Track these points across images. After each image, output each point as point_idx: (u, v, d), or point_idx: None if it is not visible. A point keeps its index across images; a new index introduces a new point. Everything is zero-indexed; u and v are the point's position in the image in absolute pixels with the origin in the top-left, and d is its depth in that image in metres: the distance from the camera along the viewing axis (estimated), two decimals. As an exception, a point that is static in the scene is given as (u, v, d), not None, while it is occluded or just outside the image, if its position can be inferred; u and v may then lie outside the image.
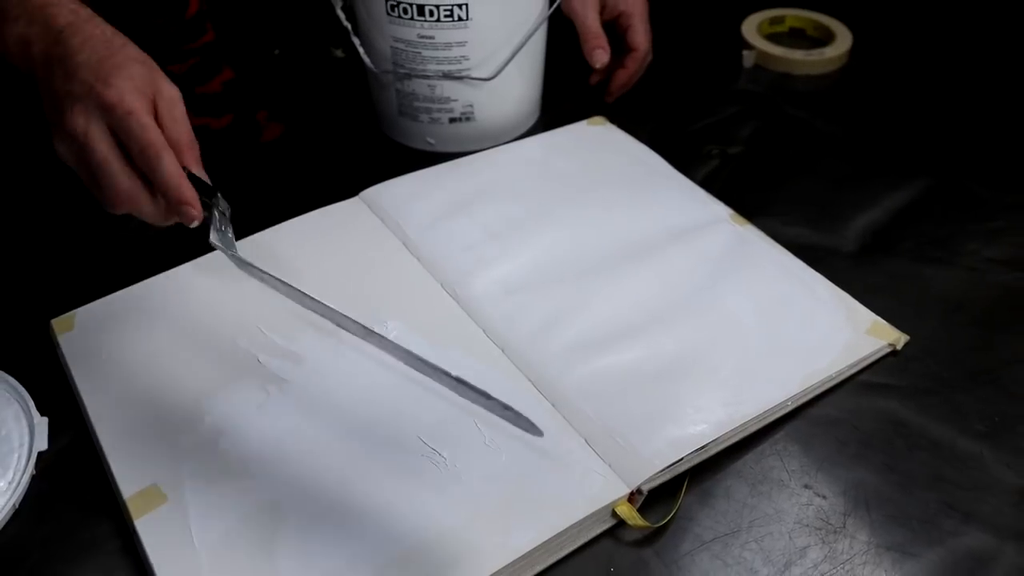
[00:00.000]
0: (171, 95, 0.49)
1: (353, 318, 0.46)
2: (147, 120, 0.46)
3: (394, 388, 0.52)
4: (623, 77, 0.77)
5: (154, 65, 0.50)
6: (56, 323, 0.56)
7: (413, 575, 0.42)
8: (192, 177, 0.48)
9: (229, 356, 0.53)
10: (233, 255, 0.52)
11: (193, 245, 0.61)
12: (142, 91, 0.47)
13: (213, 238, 0.51)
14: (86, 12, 0.51)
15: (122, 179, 0.47)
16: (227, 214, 0.52)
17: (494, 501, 0.45)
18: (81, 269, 0.62)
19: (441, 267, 0.60)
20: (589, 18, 0.74)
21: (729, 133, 0.76)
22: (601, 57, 0.74)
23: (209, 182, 0.50)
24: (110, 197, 0.48)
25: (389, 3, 0.65)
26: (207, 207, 0.50)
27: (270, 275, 0.49)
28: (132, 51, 0.49)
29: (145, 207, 0.49)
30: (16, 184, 0.70)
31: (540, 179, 0.68)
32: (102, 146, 0.47)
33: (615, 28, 0.77)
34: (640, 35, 0.76)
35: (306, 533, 0.44)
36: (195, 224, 0.48)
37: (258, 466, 0.48)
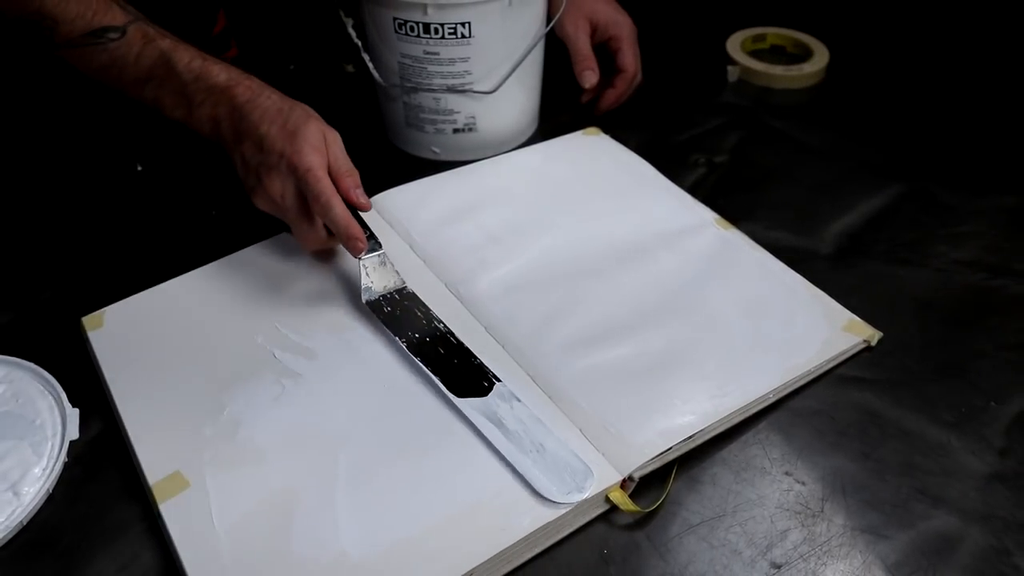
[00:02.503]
0: (332, 138, 0.56)
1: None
2: (321, 174, 0.53)
3: (401, 382, 0.51)
4: (612, 97, 0.77)
5: (316, 115, 0.56)
6: (87, 320, 0.56)
7: (418, 557, 0.42)
8: (356, 217, 0.54)
9: (247, 352, 0.53)
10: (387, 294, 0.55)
11: (211, 247, 0.61)
12: (317, 147, 0.54)
13: (365, 298, 0.55)
14: (258, 86, 0.57)
15: (309, 230, 0.56)
16: (378, 248, 0.56)
17: (495, 488, 0.45)
18: (110, 270, 0.62)
19: (445, 268, 0.60)
20: (580, 40, 0.75)
21: (715, 143, 0.76)
22: (590, 78, 0.74)
23: (370, 205, 0.56)
24: (302, 242, 0.57)
25: (397, 21, 0.65)
26: (371, 238, 0.55)
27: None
28: (299, 112, 0.55)
29: (327, 244, 0.58)
30: (50, 192, 0.70)
31: (538, 186, 0.68)
32: (293, 205, 0.55)
33: (606, 50, 0.77)
34: (628, 57, 0.76)
35: (319, 517, 0.44)
36: (361, 255, 0.54)
37: (274, 454, 0.48)
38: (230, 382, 0.51)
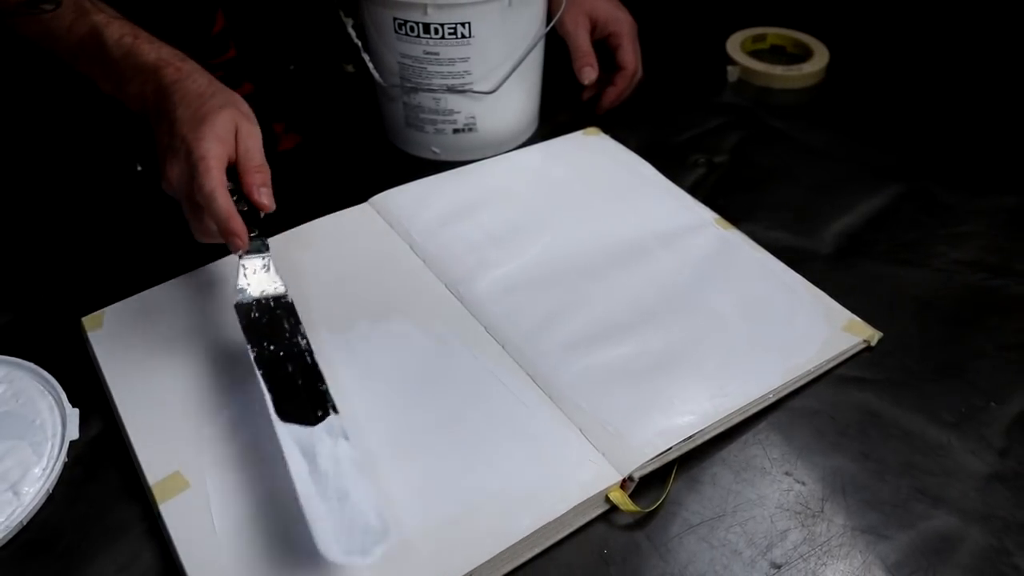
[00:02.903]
0: (247, 131, 0.53)
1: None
2: (212, 164, 0.50)
3: (400, 385, 0.51)
4: (612, 94, 0.77)
5: (238, 107, 0.54)
6: (87, 321, 0.56)
7: (418, 557, 0.42)
8: (244, 215, 0.51)
9: (247, 352, 0.53)
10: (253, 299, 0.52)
11: (211, 247, 0.61)
12: (221, 137, 0.51)
13: (236, 299, 0.52)
14: (189, 67, 0.55)
15: (197, 221, 0.53)
16: (264, 251, 0.53)
17: (495, 488, 0.45)
18: (110, 270, 0.62)
19: (445, 268, 0.60)
20: (580, 37, 0.74)
21: (715, 143, 0.76)
22: (589, 74, 0.74)
23: (273, 205, 0.53)
24: (193, 232, 0.54)
25: (397, 21, 0.65)
26: (257, 238, 0.52)
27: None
28: (219, 100, 0.53)
29: (216, 238, 0.53)
30: (50, 192, 0.70)
31: (538, 186, 0.68)
32: (185, 193, 0.52)
33: (606, 47, 0.77)
34: (629, 54, 0.76)
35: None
36: (240, 252, 0.52)
37: (274, 455, 0.47)
38: (230, 382, 0.51)
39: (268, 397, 0.45)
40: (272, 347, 0.49)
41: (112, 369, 0.52)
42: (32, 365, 0.53)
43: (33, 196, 0.69)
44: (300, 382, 0.47)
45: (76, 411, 0.51)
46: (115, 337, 0.54)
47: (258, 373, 0.47)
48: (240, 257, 0.52)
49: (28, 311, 0.59)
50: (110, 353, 0.53)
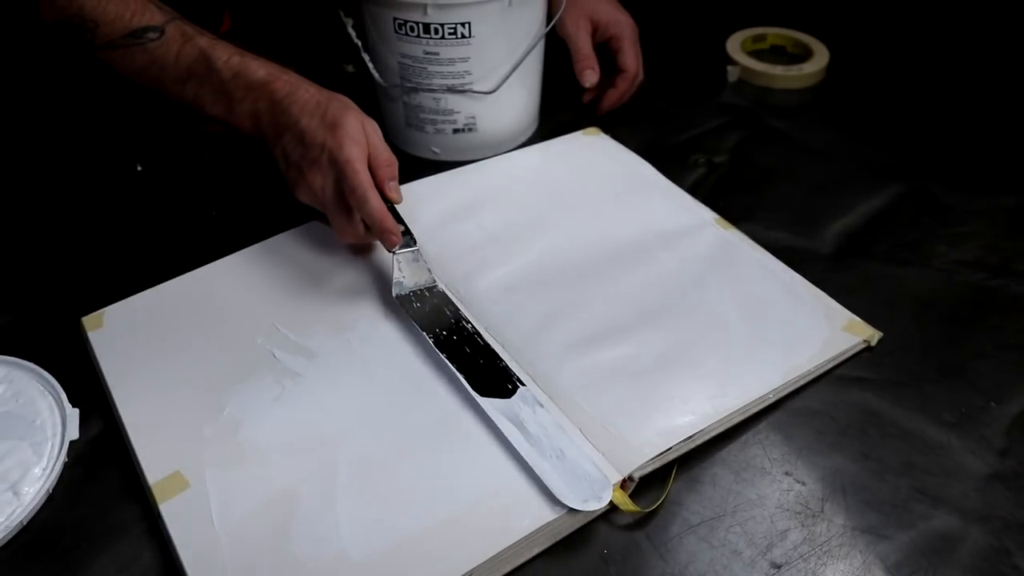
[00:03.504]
0: (371, 128, 0.56)
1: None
2: (360, 166, 0.53)
3: (400, 383, 0.51)
4: (613, 96, 0.77)
5: (354, 106, 0.56)
6: (87, 320, 0.56)
7: (418, 557, 0.42)
8: (393, 212, 0.55)
9: (247, 352, 0.53)
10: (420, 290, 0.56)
11: (211, 247, 0.61)
12: (356, 139, 0.54)
13: (395, 292, 0.55)
14: (295, 79, 0.57)
15: (347, 223, 0.55)
16: (412, 244, 0.56)
17: (496, 488, 0.45)
18: (110, 270, 0.62)
19: (445, 268, 0.60)
20: (580, 40, 0.74)
21: (715, 143, 0.76)
22: (590, 77, 0.74)
23: (402, 198, 0.56)
24: (339, 235, 0.57)
25: (397, 21, 0.65)
26: (406, 233, 0.55)
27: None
28: (338, 103, 0.55)
29: (364, 239, 0.57)
30: (50, 192, 0.70)
31: (538, 186, 0.68)
32: (332, 198, 0.55)
33: (607, 50, 0.77)
34: (630, 57, 0.76)
35: (319, 517, 0.44)
36: (396, 249, 0.54)
37: (274, 454, 0.47)
38: (230, 382, 0.51)
39: (462, 378, 0.50)
40: (444, 332, 0.53)
41: (112, 369, 0.52)
42: (32, 365, 0.53)
43: (33, 196, 0.69)
44: (481, 361, 0.51)
45: (76, 411, 0.51)
46: (115, 337, 0.54)
47: (443, 356, 0.51)
48: (394, 253, 0.54)
49: (28, 311, 0.59)
50: (110, 353, 0.53)
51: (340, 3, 0.69)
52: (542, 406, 0.49)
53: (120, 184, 0.70)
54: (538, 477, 0.45)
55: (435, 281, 0.56)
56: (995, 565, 0.43)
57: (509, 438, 0.47)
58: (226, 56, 0.56)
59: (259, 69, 0.56)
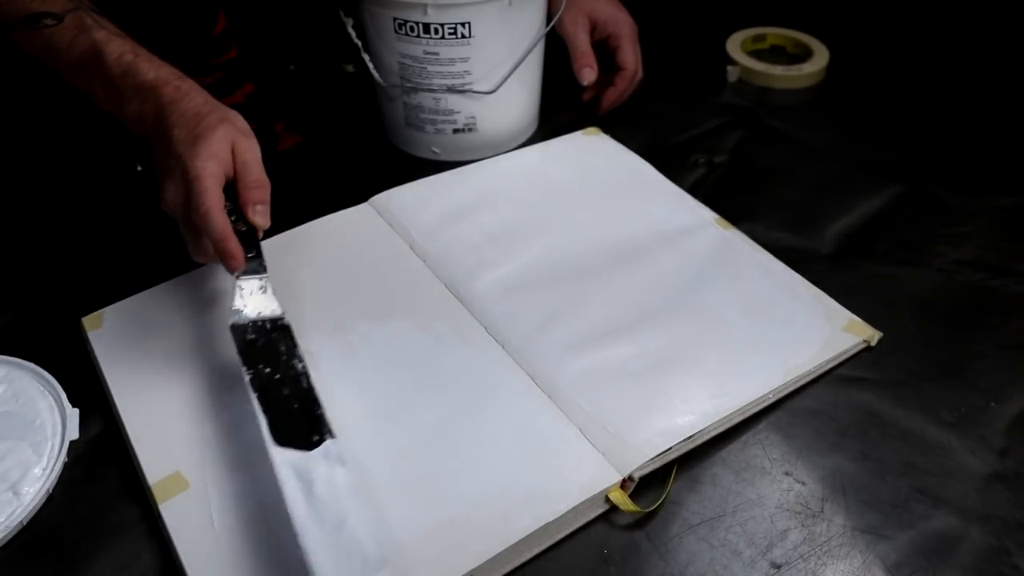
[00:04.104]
0: (244, 146, 0.53)
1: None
2: (209, 183, 0.50)
3: (400, 386, 0.51)
4: (613, 95, 0.77)
5: (234, 123, 0.53)
6: (86, 321, 0.56)
7: (418, 558, 0.42)
8: (241, 235, 0.51)
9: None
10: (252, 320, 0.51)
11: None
12: (217, 155, 0.51)
13: (232, 320, 0.51)
14: (187, 86, 0.54)
15: (194, 241, 0.52)
16: (261, 272, 0.52)
17: (495, 489, 0.45)
18: (110, 270, 0.62)
19: (445, 268, 0.60)
20: (579, 38, 0.74)
21: (715, 143, 0.76)
22: (588, 75, 0.74)
23: (267, 224, 0.53)
24: (189, 251, 0.54)
25: (397, 21, 0.65)
26: (254, 258, 0.52)
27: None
28: (215, 118, 0.52)
29: (212, 259, 0.53)
30: (50, 192, 0.70)
31: (538, 186, 0.68)
32: (181, 213, 0.52)
33: (606, 48, 0.77)
34: (629, 55, 0.76)
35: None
36: (236, 273, 0.51)
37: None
38: (230, 382, 0.51)
39: (263, 421, 0.44)
40: (268, 370, 0.48)
41: (112, 369, 0.52)
42: (32, 365, 0.53)
43: (33, 196, 0.69)
44: (296, 406, 0.46)
45: (76, 411, 0.51)
46: (115, 337, 0.54)
47: (253, 397, 0.46)
48: (236, 278, 0.51)
49: (28, 311, 0.59)
50: (110, 353, 0.53)
51: (340, 3, 0.70)
52: (343, 466, 0.43)
53: (120, 184, 0.70)
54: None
55: (282, 315, 0.51)
56: (995, 565, 0.43)
57: (287, 497, 0.41)
58: (119, 53, 0.54)
59: (150, 71, 0.54)
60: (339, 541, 0.40)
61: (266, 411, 0.45)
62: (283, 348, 0.49)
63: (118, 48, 0.55)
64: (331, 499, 0.41)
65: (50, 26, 0.54)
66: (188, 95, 0.54)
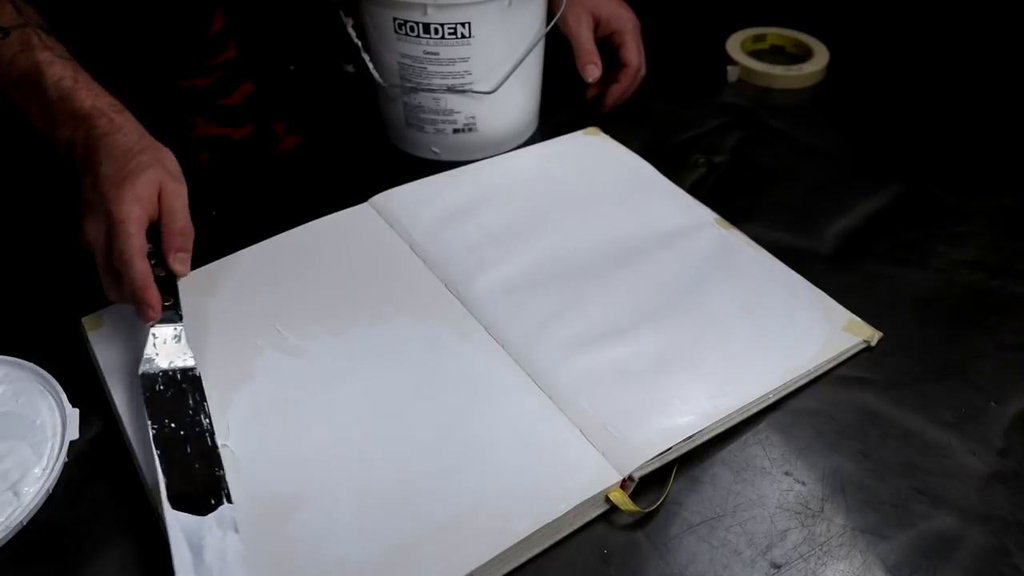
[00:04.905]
0: (172, 191, 0.52)
1: None
2: (133, 229, 0.49)
3: (398, 385, 0.51)
4: (617, 91, 0.77)
5: (165, 166, 0.52)
6: (87, 321, 0.56)
7: (418, 559, 0.42)
8: (160, 280, 0.51)
9: (247, 353, 0.53)
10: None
11: (211, 247, 0.61)
12: (143, 198, 0.50)
13: (142, 368, 0.50)
14: (122, 119, 0.53)
15: (112, 284, 0.52)
16: (176, 320, 0.52)
17: (495, 489, 0.45)
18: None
19: (445, 268, 0.60)
20: (583, 35, 0.74)
21: (715, 143, 0.76)
22: (593, 72, 0.74)
23: (187, 272, 0.52)
24: (104, 289, 0.52)
25: (397, 21, 0.65)
26: (171, 308, 0.51)
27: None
28: (146, 158, 0.51)
29: (128, 302, 0.51)
30: (50, 192, 0.70)
31: (538, 186, 0.68)
32: (101, 254, 0.51)
33: (609, 45, 0.77)
34: (632, 52, 0.76)
35: (319, 520, 0.44)
36: (150, 324, 0.50)
37: (274, 457, 0.47)
38: (230, 383, 0.51)
39: (162, 482, 0.44)
40: (173, 425, 0.47)
41: (112, 369, 0.52)
42: (32, 365, 0.53)
43: (33, 197, 0.69)
44: (197, 466, 0.46)
45: (76, 411, 0.51)
46: (115, 337, 0.54)
47: (155, 454, 0.46)
48: (151, 326, 0.50)
49: (28, 311, 0.59)
50: (110, 353, 0.53)
51: (340, 3, 0.69)
52: (236, 532, 0.43)
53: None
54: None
55: (194, 367, 0.50)
56: (995, 565, 0.43)
57: (176, 563, 0.41)
58: (58, 77, 0.54)
59: (87, 99, 0.53)
60: None
61: (166, 470, 0.45)
62: (191, 402, 0.49)
63: (59, 72, 0.54)
64: (219, 569, 0.41)
65: None
66: (121, 129, 0.53)
